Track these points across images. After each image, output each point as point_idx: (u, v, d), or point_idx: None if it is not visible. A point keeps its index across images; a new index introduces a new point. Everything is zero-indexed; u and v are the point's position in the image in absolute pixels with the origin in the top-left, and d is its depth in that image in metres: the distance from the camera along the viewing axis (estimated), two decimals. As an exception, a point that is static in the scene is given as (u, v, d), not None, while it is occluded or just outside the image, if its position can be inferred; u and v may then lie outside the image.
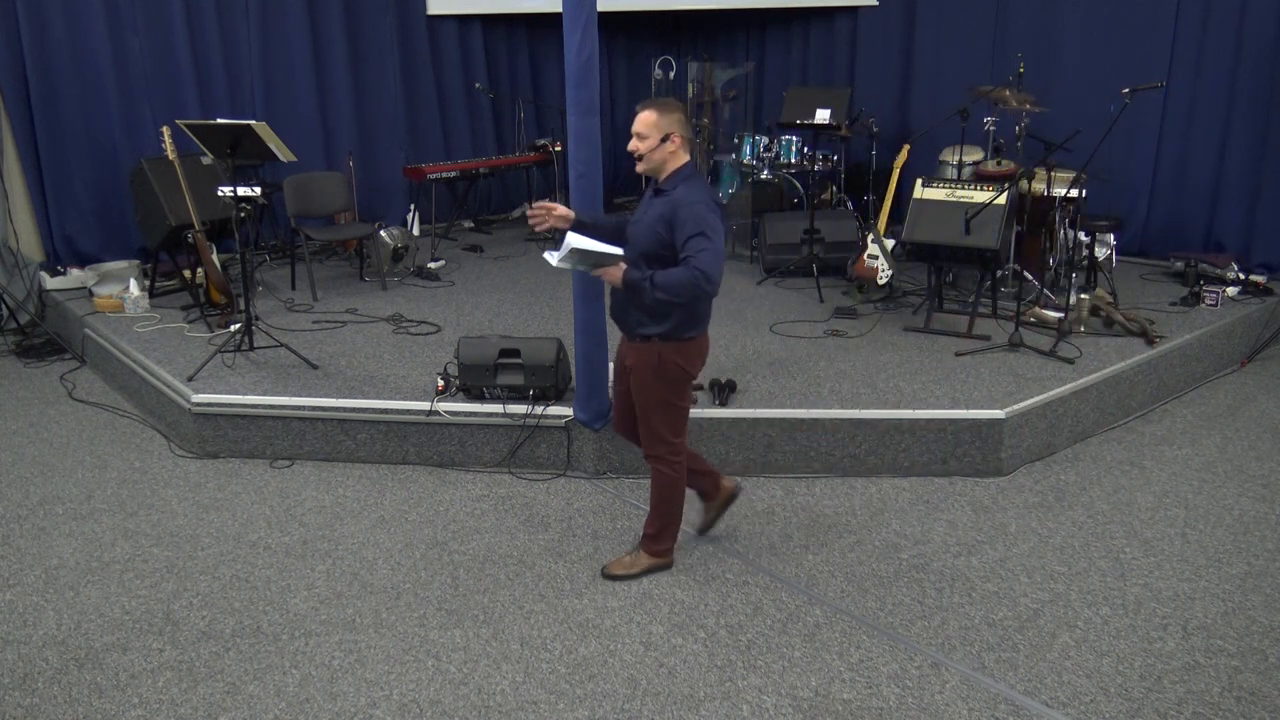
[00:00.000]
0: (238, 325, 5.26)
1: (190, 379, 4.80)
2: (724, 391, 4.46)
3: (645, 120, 3.18)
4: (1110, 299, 5.52)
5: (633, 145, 3.22)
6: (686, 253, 3.08)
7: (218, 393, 4.65)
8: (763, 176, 7.24)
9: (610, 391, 4.16)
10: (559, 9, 3.78)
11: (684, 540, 3.83)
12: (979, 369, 4.83)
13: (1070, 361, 4.85)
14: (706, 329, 3.36)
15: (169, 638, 3.23)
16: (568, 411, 4.36)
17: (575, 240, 3.06)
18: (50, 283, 6.62)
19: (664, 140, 3.17)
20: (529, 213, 3.38)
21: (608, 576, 3.56)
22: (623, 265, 3.14)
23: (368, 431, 4.50)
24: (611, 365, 3.94)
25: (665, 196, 3.20)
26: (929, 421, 4.29)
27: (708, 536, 3.85)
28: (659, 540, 3.57)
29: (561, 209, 3.35)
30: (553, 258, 3.14)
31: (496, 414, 4.41)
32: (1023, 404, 4.37)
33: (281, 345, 5.16)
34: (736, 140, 7.72)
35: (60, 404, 5.38)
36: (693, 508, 3.72)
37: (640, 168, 3.25)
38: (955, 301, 5.95)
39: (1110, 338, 5.22)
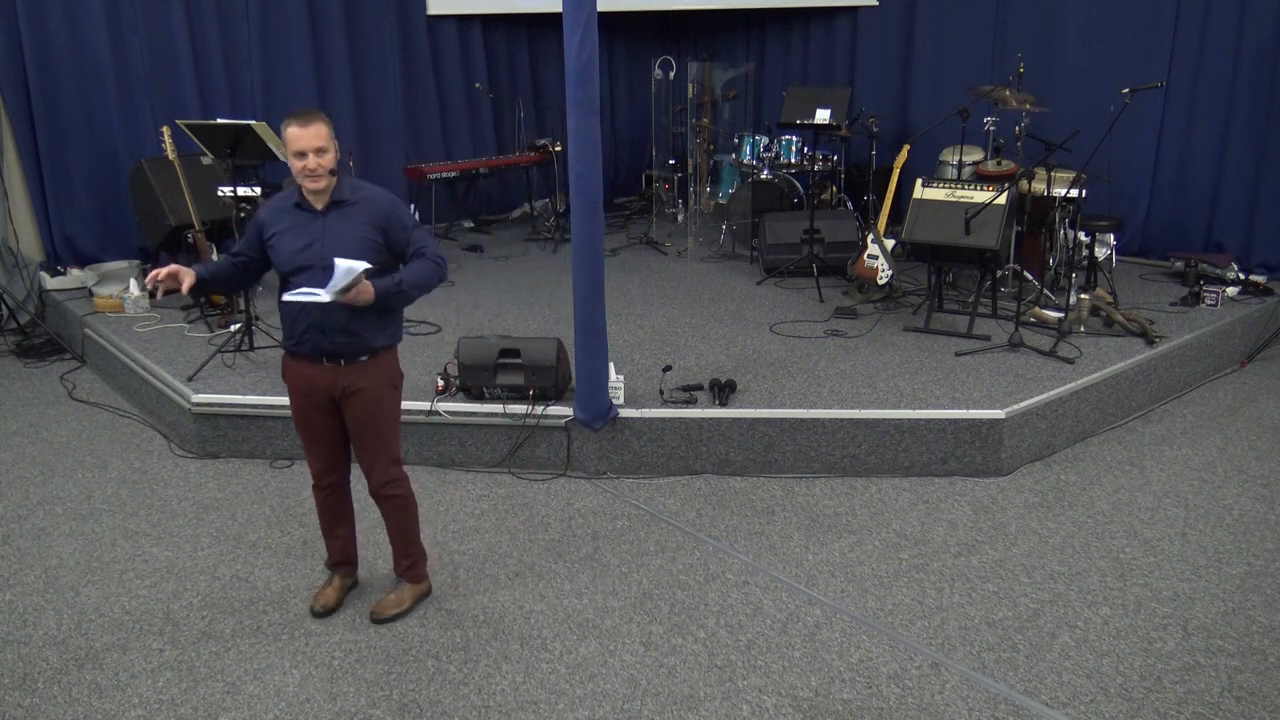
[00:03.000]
0: (238, 325, 5.26)
1: (190, 379, 4.80)
2: (724, 391, 4.46)
3: (322, 133, 2.93)
4: (1110, 299, 5.52)
5: (315, 163, 2.92)
6: (418, 245, 3.06)
7: (218, 393, 4.65)
8: (763, 176, 7.24)
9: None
10: (559, 9, 3.78)
11: (684, 540, 3.83)
12: (979, 369, 4.83)
13: (1070, 361, 4.85)
14: None
15: (169, 638, 3.23)
16: (568, 411, 4.36)
17: (348, 263, 2.85)
18: (50, 283, 6.62)
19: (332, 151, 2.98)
20: (152, 281, 2.96)
21: (381, 621, 3.31)
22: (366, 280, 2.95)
23: (368, 431, 4.50)
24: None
25: (352, 206, 3.02)
26: (929, 421, 4.29)
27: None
28: (416, 566, 3.41)
29: (185, 269, 2.99)
30: (323, 295, 2.86)
31: (496, 414, 4.41)
32: (1023, 404, 4.37)
33: (281, 345, 5.15)
34: (736, 140, 7.72)
35: (60, 404, 5.38)
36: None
37: (320, 185, 2.97)
38: (955, 301, 5.95)
39: (1110, 338, 5.22)
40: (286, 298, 2.99)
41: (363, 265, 2.86)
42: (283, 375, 3.26)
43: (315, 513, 3.40)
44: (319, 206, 3.04)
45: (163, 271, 2.97)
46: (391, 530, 3.38)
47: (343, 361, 3.10)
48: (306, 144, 2.92)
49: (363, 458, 3.25)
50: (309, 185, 2.99)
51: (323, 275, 2.94)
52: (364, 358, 3.11)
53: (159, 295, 3.05)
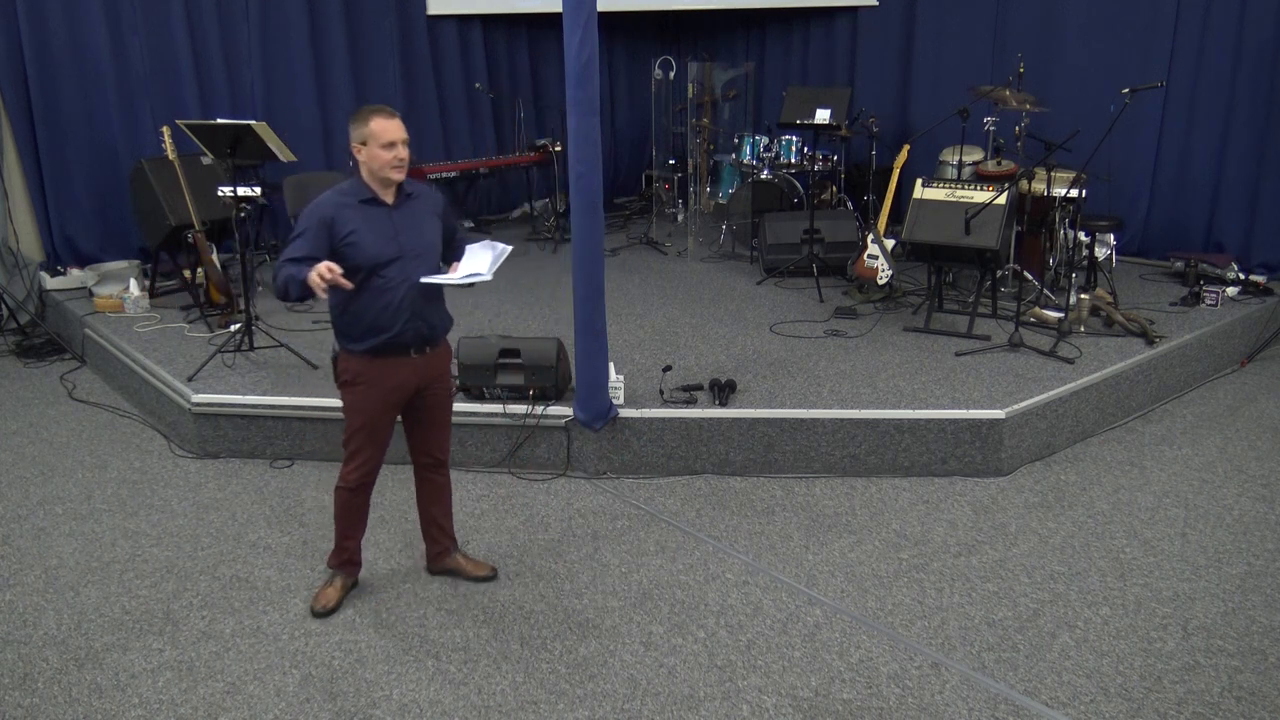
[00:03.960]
0: (238, 325, 5.26)
1: (190, 379, 4.80)
2: (724, 391, 4.46)
3: (402, 126, 3.02)
4: (1110, 299, 5.52)
5: (405, 153, 3.02)
6: (459, 230, 3.39)
7: (218, 393, 4.65)
8: (763, 176, 7.24)
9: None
10: (559, 9, 3.78)
11: (684, 540, 3.83)
12: (979, 369, 4.83)
13: (1070, 361, 4.85)
14: None
15: (169, 638, 3.23)
16: (568, 411, 4.36)
17: (501, 245, 3.15)
18: (50, 283, 6.62)
19: None
20: (326, 281, 2.85)
21: (494, 576, 3.56)
22: None
23: (368, 431, 4.50)
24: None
25: (415, 198, 3.17)
26: (929, 421, 4.29)
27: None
28: None
29: (334, 268, 2.89)
30: (486, 274, 3.05)
31: (496, 414, 4.41)
32: (1023, 404, 4.37)
33: (281, 345, 5.16)
34: (736, 140, 7.72)
35: (60, 404, 5.38)
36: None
37: (403, 175, 3.07)
38: (955, 301, 5.95)
39: (1110, 338, 5.22)
40: (455, 283, 3.04)
41: (509, 247, 3.14)
42: (351, 381, 3.14)
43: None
44: (391, 200, 3.10)
45: (328, 276, 2.84)
46: (447, 502, 3.52)
47: (428, 349, 3.20)
48: (397, 134, 2.99)
49: (437, 441, 3.39)
50: (395, 176, 3.05)
51: (414, 264, 3.07)
52: (440, 342, 3.27)
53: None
